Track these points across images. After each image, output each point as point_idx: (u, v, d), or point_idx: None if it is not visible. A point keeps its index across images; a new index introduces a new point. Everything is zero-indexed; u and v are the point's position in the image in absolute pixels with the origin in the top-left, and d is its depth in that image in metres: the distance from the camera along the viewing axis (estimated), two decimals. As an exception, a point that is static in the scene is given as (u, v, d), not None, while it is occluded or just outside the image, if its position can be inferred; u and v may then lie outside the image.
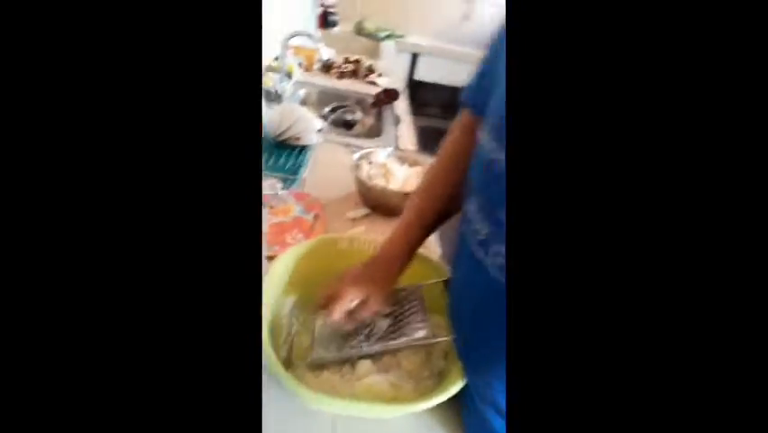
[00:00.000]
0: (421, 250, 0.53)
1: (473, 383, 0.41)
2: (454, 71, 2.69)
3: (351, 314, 0.46)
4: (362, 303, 0.46)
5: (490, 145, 0.37)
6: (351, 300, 0.45)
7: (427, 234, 0.49)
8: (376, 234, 0.57)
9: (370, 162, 0.85)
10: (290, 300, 0.52)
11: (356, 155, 0.81)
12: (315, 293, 0.51)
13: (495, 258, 0.35)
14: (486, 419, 0.40)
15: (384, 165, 0.83)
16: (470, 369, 0.41)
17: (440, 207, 0.48)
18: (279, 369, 0.38)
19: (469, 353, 0.42)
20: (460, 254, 0.44)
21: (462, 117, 0.49)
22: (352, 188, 0.82)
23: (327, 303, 0.46)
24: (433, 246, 0.73)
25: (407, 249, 0.48)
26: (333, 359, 0.46)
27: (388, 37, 2.42)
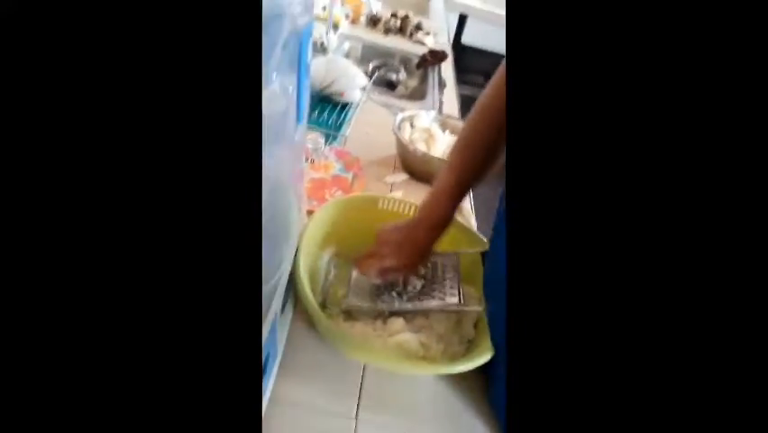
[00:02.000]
0: (461, 219, 0.52)
1: (501, 353, 0.42)
2: (503, 37, 2.53)
3: (385, 273, 0.47)
4: (397, 267, 0.46)
5: None
6: (388, 264, 0.46)
7: (465, 194, 0.48)
8: (415, 200, 0.56)
9: (413, 126, 0.83)
10: (328, 252, 0.53)
11: (399, 117, 0.79)
12: (352, 247, 0.52)
13: None
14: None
15: (427, 130, 0.80)
16: (501, 337, 0.42)
17: (477, 166, 0.47)
18: (318, 313, 0.39)
19: (501, 320, 0.43)
20: (500, 228, 0.44)
21: (501, 73, 0.45)
22: (392, 150, 0.81)
23: (365, 261, 0.46)
24: (469, 218, 0.72)
25: (447, 214, 0.48)
26: (366, 309, 0.48)
27: (438, -6, 2.27)
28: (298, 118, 0.30)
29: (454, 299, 0.47)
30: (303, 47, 0.26)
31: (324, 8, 1.22)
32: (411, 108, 0.92)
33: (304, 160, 0.42)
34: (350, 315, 0.48)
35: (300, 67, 0.27)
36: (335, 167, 0.72)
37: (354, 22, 1.46)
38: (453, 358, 0.46)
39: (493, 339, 0.43)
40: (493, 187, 0.50)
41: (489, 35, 2.54)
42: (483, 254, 0.53)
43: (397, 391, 0.44)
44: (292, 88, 0.27)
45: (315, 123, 0.82)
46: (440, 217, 0.47)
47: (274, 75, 0.23)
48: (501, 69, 0.46)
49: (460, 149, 0.48)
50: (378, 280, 0.48)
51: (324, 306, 0.48)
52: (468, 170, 0.47)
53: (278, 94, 0.25)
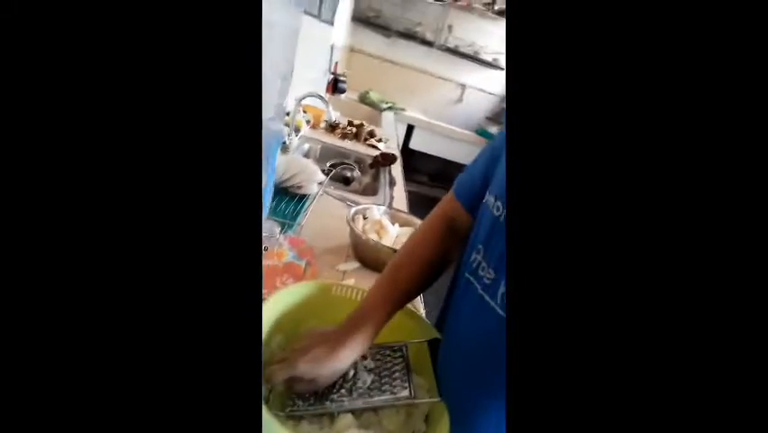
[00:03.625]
0: (410, 306, 0.54)
1: None
2: (444, 145, 2.92)
3: (292, 382, 0.44)
4: (308, 381, 0.44)
5: (496, 205, 0.43)
6: (298, 373, 0.43)
7: (390, 316, 0.50)
8: (366, 287, 0.58)
9: (365, 218, 0.89)
10: (277, 340, 0.51)
11: (353, 209, 0.85)
12: (300, 336, 0.51)
13: (501, 298, 0.40)
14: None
15: (378, 222, 0.87)
16: (460, 419, 0.41)
17: (406, 290, 0.51)
18: (265, 414, 0.37)
19: (462, 399, 0.43)
20: (463, 298, 0.46)
21: (449, 201, 0.54)
22: (346, 240, 0.85)
23: (276, 364, 0.45)
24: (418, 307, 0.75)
25: (369, 336, 0.48)
26: (312, 412, 0.45)
27: (389, 108, 2.62)
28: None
29: (405, 393, 0.46)
30: (273, 150, 0.30)
31: (288, 113, 1.36)
32: (364, 202, 0.99)
33: (261, 251, 0.44)
34: (294, 416, 0.45)
35: (269, 167, 0.31)
36: (288, 255, 0.73)
37: (315, 127, 1.62)
38: (404, 457, 0.43)
39: (454, 428, 0.42)
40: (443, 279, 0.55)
41: (432, 142, 2.92)
42: (430, 343, 0.54)
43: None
44: (264, 185, 0.31)
45: (272, 213, 0.85)
46: (376, 322, 0.48)
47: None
48: (443, 200, 0.54)
49: (403, 256, 0.53)
50: (294, 390, 0.46)
51: (267, 400, 0.45)
52: (393, 297, 0.51)
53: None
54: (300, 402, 0.46)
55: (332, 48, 2.17)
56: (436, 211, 0.54)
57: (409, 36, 2.82)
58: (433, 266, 0.52)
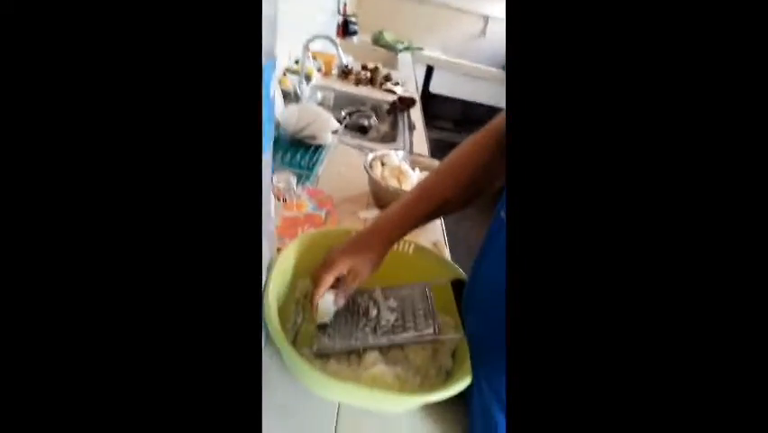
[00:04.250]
0: (428, 244, 0.53)
1: (486, 379, 0.41)
2: (468, 86, 2.73)
3: (340, 285, 0.46)
4: (351, 272, 0.46)
5: None
6: (339, 270, 0.45)
7: (422, 221, 0.49)
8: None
9: (384, 164, 0.86)
10: (301, 286, 0.52)
11: (370, 156, 0.82)
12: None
13: None
14: (494, 420, 0.40)
15: (398, 167, 0.84)
16: (485, 364, 0.41)
17: (440, 200, 0.48)
18: (289, 352, 0.38)
19: (486, 346, 0.42)
20: (496, 236, 0.44)
21: (497, 123, 0.48)
22: (365, 189, 0.83)
23: (316, 274, 0.46)
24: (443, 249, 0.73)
25: (400, 225, 0.48)
26: (338, 349, 0.46)
27: (405, 49, 2.46)
28: (264, 149, 0.31)
29: (429, 330, 0.46)
30: (265, 82, 0.28)
31: (297, 62, 1.30)
32: (383, 150, 0.96)
33: (270, 193, 0.42)
34: (322, 354, 0.46)
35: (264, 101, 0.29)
36: (308, 205, 0.73)
37: (327, 74, 1.54)
38: (431, 389, 0.44)
39: (474, 365, 0.42)
40: (474, 223, 0.52)
41: (454, 84, 2.73)
42: (454, 284, 0.53)
43: (374, 431, 0.42)
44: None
45: (287, 164, 0.84)
46: (394, 226, 0.48)
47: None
48: (495, 120, 0.49)
49: (429, 179, 0.50)
50: (340, 301, 0.47)
51: (295, 342, 0.46)
52: (429, 198, 0.48)
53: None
54: (326, 340, 0.47)
55: (339, -14, 2.01)
56: (482, 131, 0.49)
57: (423, -36, 2.55)
58: (474, 181, 0.48)
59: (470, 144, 0.49)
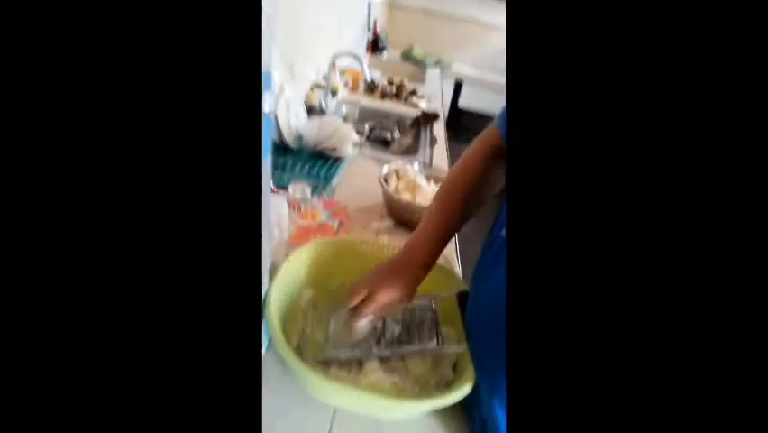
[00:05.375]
0: (440, 261, 0.53)
1: (489, 390, 0.41)
2: (496, 100, 2.72)
3: (381, 309, 0.47)
4: (389, 305, 0.47)
5: None
6: (380, 304, 0.46)
7: (446, 242, 0.50)
8: (399, 245, 0.58)
9: (399, 177, 0.87)
10: (307, 294, 0.53)
11: (385, 168, 0.84)
12: (331, 291, 0.53)
13: None
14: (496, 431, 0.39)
15: (413, 180, 0.84)
16: (487, 375, 0.41)
17: (457, 214, 0.50)
18: (291, 356, 0.39)
19: (488, 358, 0.42)
20: (493, 250, 0.45)
21: (489, 134, 0.50)
22: (380, 200, 0.84)
23: (359, 306, 0.46)
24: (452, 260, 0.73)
25: (429, 256, 0.49)
26: (344, 359, 0.47)
27: (435, 64, 2.49)
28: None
29: (432, 342, 0.47)
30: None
31: (324, 77, 1.35)
32: (399, 163, 0.97)
33: (268, 198, 0.44)
34: (325, 362, 0.48)
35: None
36: (322, 215, 0.75)
37: (354, 89, 1.59)
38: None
39: (479, 377, 0.42)
40: (481, 230, 0.52)
41: (482, 98, 2.73)
42: (459, 296, 0.53)
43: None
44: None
45: (305, 176, 0.87)
46: (424, 259, 0.49)
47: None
48: (485, 132, 0.51)
49: (440, 197, 0.51)
50: (366, 331, 0.48)
51: (300, 351, 0.48)
52: (446, 218, 0.50)
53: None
54: (332, 350, 0.48)
55: (369, 5, 2.08)
56: (477, 143, 0.52)
57: (453, -18, 2.60)
58: (480, 188, 0.50)
59: (466, 157, 0.51)
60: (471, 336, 0.47)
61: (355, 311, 0.47)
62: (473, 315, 0.49)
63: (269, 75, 0.30)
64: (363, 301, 0.46)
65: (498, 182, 0.51)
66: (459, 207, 0.50)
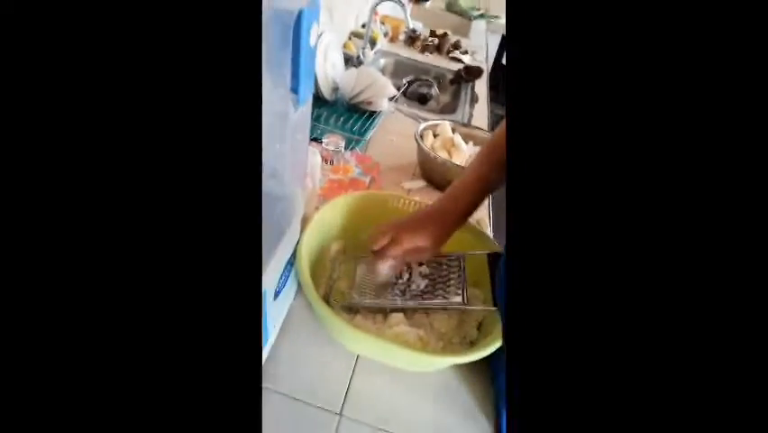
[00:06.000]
0: (471, 220, 0.52)
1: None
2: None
3: (407, 254, 0.46)
4: (415, 251, 0.46)
5: None
6: (405, 248, 0.45)
7: (483, 198, 0.49)
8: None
9: (436, 135, 0.83)
10: (336, 245, 0.54)
11: (422, 125, 0.81)
12: (360, 244, 0.53)
13: None
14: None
15: (450, 139, 0.81)
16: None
17: (499, 173, 0.47)
18: (317, 301, 0.40)
19: None
20: None
21: None
22: (414, 159, 0.82)
23: (383, 249, 0.46)
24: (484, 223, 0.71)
25: (464, 208, 0.48)
26: (368, 305, 0.48)
27: (480, 16, 2.31)
28: (299, 101, 0.32)
29: (458, 299, 0.46)
30: (301, 30, 0.28)
31: (363, 25, 1.28)
32: (436, 120, 0.93)
33: (306, 145, 0.43)
34: (351, 308, 0.49)
35: (298, 52, 0.29)
36: (354, 171, 0.74)
37: (393, 40, 1.51)
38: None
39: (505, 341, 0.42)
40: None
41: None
42: (490, 257, 0.51)
43: (385, 391, 0.44)
44: (286, 73, 0.29)
45: (340, 128, 0.86)
46: (459, 210, 0.48)
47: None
48: None
49: (484, 153, 0.49)
50: (389, 275, 0.48)
51: (326, 298, 0.49)
52: (487, 173, 0.47)
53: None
54: (356, 296, 0.49)
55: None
56: None
57: None
58: None
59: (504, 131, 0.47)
60: (499, 296, 0.46)
61: (378, 254, 0.46)
62: (502, 279, 0.48)
63: (315, 10, 0.28)
64: (387, 244, 0.46)
65: None
66: (500, 168, 0.47)
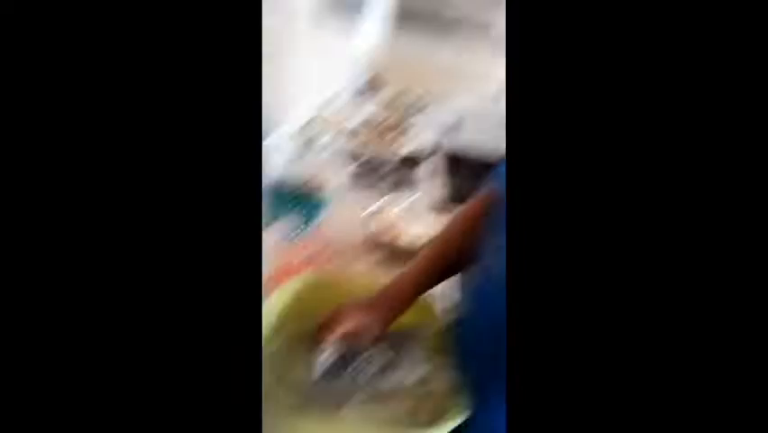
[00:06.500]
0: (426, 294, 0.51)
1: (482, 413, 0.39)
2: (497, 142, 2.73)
3: (343, 340, 0.44)
4: (356, 333, 0.44)
5: None
6: (346, 327, 0.43)
7: (433, 284, 0.49)
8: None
9: (391, 212, 0.86)
10: (284, 334, 0.51)
11: (378, 202, 0.84)
12: (311, 328, 0.50)
13: None
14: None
15: (402, 217, 0.84)
16: (480, 398, 0.39)
17: (451, 261, 0.49)
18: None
19: (479, 381, 0.40)
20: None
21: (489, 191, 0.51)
22: (367, 237, 0.83)
23: (323, 327, 0.44)
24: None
25: (413, 291, 0.48)
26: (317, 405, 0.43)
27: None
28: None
29: (414, 376, 0.43)
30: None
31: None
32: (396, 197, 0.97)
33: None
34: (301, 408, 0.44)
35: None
36: (306, 253, 0.73)
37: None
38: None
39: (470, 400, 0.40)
40: None
41: (480, 141, 2.75)
42: (449, 325, 0.50)
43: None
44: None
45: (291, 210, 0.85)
46: (407, 294, 0.48)
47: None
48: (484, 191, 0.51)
49: (438, 241, 0.51)
50: (328, 360, 0.45)
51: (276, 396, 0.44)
52: (439, 261, 0.49)
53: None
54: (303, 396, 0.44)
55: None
56: (472, 199, 0.52)
57: None
58: (465, 254, 0.49)
59: (459, 216, 0.51)
60: (463, 363, 0.44)
61: (316, 336, 0.44)
62: (464, 341, 0.46)
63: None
64: (328, 321, 0.44)
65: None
66: (452, 255, 0.49)
